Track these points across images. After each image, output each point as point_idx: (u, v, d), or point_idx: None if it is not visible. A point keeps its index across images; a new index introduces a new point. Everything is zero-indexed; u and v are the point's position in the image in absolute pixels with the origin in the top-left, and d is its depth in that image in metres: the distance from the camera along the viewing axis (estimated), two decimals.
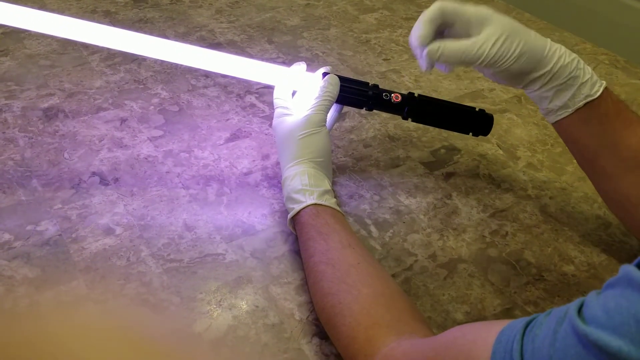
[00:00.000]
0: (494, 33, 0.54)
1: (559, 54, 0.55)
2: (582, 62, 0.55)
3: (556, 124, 0.57)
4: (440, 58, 0.55)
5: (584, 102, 0.54)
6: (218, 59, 0.65)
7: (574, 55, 0.55)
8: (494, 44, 0.54)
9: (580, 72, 0.54)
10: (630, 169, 0.54)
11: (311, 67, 0.66)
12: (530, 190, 0.69)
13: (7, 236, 0.58)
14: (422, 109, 0.66)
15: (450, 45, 0.55)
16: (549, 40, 0.56)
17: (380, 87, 0.66)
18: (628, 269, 0.30)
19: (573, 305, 0.31)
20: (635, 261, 0.31)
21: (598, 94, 0.54)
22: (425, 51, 0.55)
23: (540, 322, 0.33)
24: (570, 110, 0.55)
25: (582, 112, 0.55)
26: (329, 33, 0.99)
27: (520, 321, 0.34)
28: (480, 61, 0.54)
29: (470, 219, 0.65)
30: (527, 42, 0.54)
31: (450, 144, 0.76)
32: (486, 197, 0.68)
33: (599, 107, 0.54)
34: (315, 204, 0.56)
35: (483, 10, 0.55)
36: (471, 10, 0.56)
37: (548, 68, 0.54)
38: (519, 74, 0.55)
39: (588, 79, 0.54)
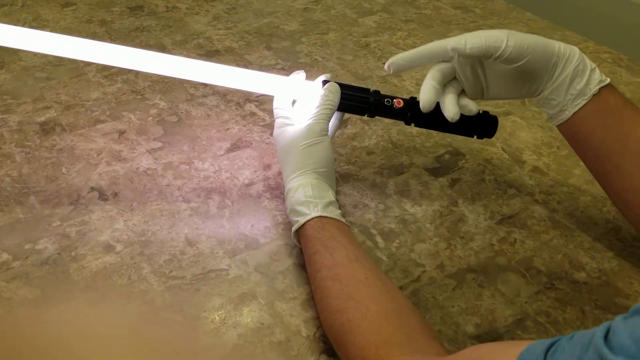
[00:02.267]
0: (502, 31, 0.55)
1: (562, 45, 0.56)
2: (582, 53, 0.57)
3: (569, 122, 0.57)
4: (467, 46, 0.55)
5: (598, 87, 0.55)
6: (216, 71, 0.64)
7: (574, 47, 0.56)
8: (508, 37, 0.55)
9: (586, 60, 0.56)
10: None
11: (311, 73, 0.65)
12: (538, 195, 0.68)
13: (5, 256, 0.57)
14: (424, 113, 0.65)
15: (471, 39, 0.55)
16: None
17: (382, 92, 0.65)
18: None
19: (599, 332, 0.30)
20: None
21: (608, 80, 0.55)
22: (454, 42, 0.56)
23: (563, 347, 0.31)
24: (587, 97, 0.55)
25: (597, 100, 0.55)
26: (328, 37, 0.98)
27: (541, 344, 0.33)
28: (502, 50, 0.54)
29: (477, 227, 0.63)
30: (533, 36, 0.56)
31: (455, 149, 0.74)
32: (493, 203, 0.67)
33: (609, 98, 0.55)
34: (320, 216, 0.55)
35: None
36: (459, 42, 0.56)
37: (560, 56, 0.55)
38: (539, 67, 0.56)
39: (595, 67, 0.56)
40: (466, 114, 0.60)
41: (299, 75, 0.64)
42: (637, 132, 0.54)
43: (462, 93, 0.61)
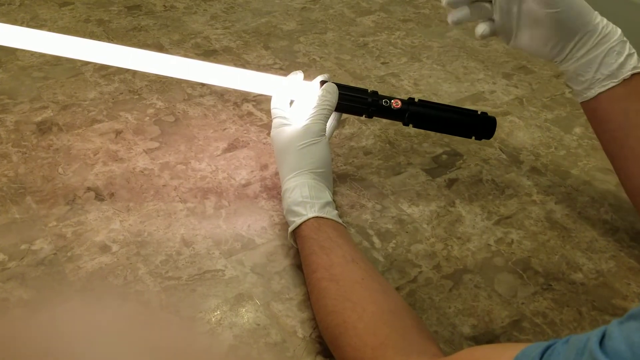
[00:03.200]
0: None
1: (605, 21, 0.55)
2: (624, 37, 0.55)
3: (594, 100, 0.56)
4: None
5: (632, 72, 0.53)
6: (213, 71, 0.64)
7: (617, 27, 0.55)
8: None
9: (626, 43, 0.54)
10: None
11: (309, 73, 0.65)
12: (535, 196, 0.68)
13: (1, 256, 0.57)
14: (422, 114, 0.65)
15: None
16: None
17: (380, 92, 0.65)
18: None
19: (594, 337, 0.30)
20: None
21: None
22: None
23: (558, 351, 0.31)
24: (617, 80, 0.54)
25: (627, 84, 0.54)
26: (326, 37, 0.98)
27: (537, 347, 0.33)
28: None
29: (474, 227, 0.63)
30: None
31: (452, 149, 0.74)
32: (490, 203, 0.67)
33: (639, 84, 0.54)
34: (317, 217, 0.54)
35: None
36: None
37: (598, 30, 0.54)
38: (571, 27, 0.54)
39: (634, 52, 0.54)
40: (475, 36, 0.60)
41: (297, 76, 0.64)
42: None
43: (488, 22, 0.59)
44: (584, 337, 0.31)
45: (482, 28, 0.59)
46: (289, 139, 0.59)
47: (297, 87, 0.63)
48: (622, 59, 0.54)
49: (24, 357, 0.50)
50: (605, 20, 0.55)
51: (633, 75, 0.54)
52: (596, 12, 0.55)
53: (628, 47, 0.54)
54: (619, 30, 0.55)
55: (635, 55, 0.54)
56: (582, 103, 0.57)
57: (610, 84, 0.54)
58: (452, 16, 0.59)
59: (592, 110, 0.57)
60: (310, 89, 0.63)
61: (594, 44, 0.54)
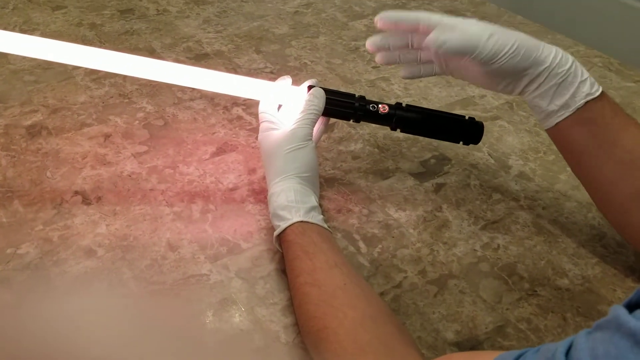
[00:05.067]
0: (485, 28, 0.55)
1: (554, 50, 0.55)
2: (577, 62, 0.55)
3: (554, 128, 0.56)
4: (443, 45, 0.55)
5: (585, 100, 0.53)
6: (202, 76, 0.64)
7: (568, 55, 0.55)
8: (489, 37, 0.54)
9: (578, 70, 0.54)
10: (626, 172, 0.53)
11: (299, 77, 0.65)
12: (523, 201, 0.68)
13: None
14: (410, 119, 0.65)
15: (450, 34, 0.55)
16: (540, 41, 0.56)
17: (368, 97, 0.65)
18: (618, 312, 0.29)
19: (561, 347, 0.30)
20: (625, 301, 0.29)
21: (598, 92, 0.54)
22: (429, 38, 0.56)
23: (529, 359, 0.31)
24: (571, 109, 0.54)
25: (582, 112, 0.54)
26: (318, 41, 0.98)
27: (510, 355, 0.33)
28: (478, 52, 0.54)
29: (461, 232, 0.63)
30: (521, 38, 0.54)
31: (441, 154, 0.74)
32: (477, 208, 0.67)
33: (598, 108, 0.54)
34: (302, 221, 0.54)
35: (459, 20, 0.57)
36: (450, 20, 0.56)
37: (546, 64, 0.54)
38: (517, 71, 0.55)
39: (587, 77, 0.54)
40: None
41: (285, 81, 0.64)
42: (623, 141, 0.53)
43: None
44: (553, 347, 0.31)
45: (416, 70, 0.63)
46: (276, 143, 0.59)
47: (285, 92, 0.64)
48: (573, 88, 0.54)
49: (8, 358, 0.50)
50: (554, 51, 0.55)
51: (587, 102, 0.54)
52: (543, 45, 0.55)
53: (580, 74, 0.54)
54: (570, 58, 0.55)
55: (589, 81, 0.54)
56: (546, 130, 0.58)
57: (566, 113, 0.54)
58: (381, 58, 0.63)
59: (554, 136, 0.58)
60: (298, 93, 0.63)
61: (544, 78, 0.54)
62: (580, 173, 0.58)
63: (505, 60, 0.54)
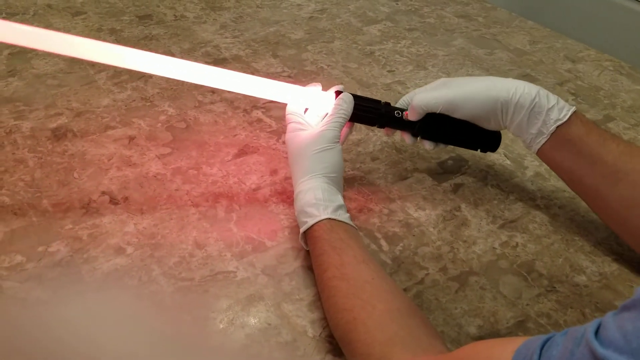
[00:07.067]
0: (443, 97, 0.62)
1: (514, 85, 0.59)
2: (544, 90, 0.59)
3: (539, 152, 0.61)
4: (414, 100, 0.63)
5: (555, 126, 0.58)
6: (230, 78, 0.65)
7: (533, 85, 0.60)
8: (449, 99, 0.61)
9: (543, 99, 0.58)
10: (613, 184, 0.57)
11: (317, 80, 0.66)
12: (539, 200, 0.69)
13: (19, 258, 0.59)
14: (433, 126, 0.66)
15: (420, 91, 0.64)
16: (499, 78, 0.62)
17: (386, 101, 0.66)
18: None
19: (590, 327, 0.31)
20: None
21: (566, 117, 0.58)
22: (413, 102, 0.63)
23: (557, 342, 0.33)
24: (545, 135, 0.59)
25: (557, 136, 0.58)
26: (333, 46, 1.00)
27: (537, 339, 0.34)
28: (448, 102, 0.61)
29: (480, 231, 0.65)
30: (478, 87, 0.61)
31: (458, 155, 0.76)
32: (495, 208, 0.68)
33: (572, 130, 0.58)
34: (330, 218, 0.56)
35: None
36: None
37: (510, 96, 0.59)
38: (488, 110, 0.60)
39: (554, 105, 0.58)
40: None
41: (316, 87, 0.66)
42: (603, 156, 0.57)
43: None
44: (581, 329, 0.32)
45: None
46: (304, 144, 0.61)
47: (313, 96, 0.65)
48: (542, 116, 0.58)
49: (41, 353, 0.52)
50: (515, 86, 0.59)
51: (558, 127, 0.58)
52: (502, 82, 0.60)
53: (547, 101, 0.58)
54: (534, 89, 0.59)
55: (557, 106, 0.58)
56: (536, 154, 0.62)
57: (542, 140, 0.59)
58: None
59: (542, 159, 0.62)
60: (326, 98, 0.65)
61: (513, 112, 0.59)
62: (574, 189, 0.62)
63: (465, 111, 0.61)
